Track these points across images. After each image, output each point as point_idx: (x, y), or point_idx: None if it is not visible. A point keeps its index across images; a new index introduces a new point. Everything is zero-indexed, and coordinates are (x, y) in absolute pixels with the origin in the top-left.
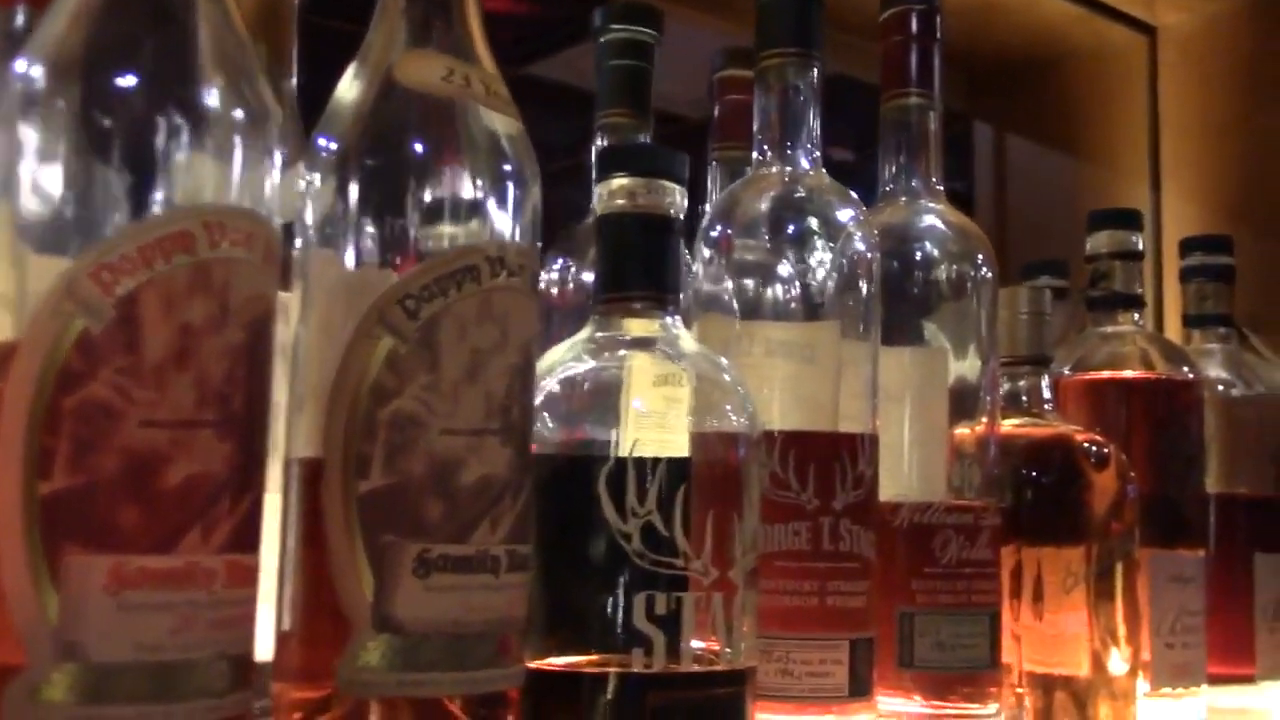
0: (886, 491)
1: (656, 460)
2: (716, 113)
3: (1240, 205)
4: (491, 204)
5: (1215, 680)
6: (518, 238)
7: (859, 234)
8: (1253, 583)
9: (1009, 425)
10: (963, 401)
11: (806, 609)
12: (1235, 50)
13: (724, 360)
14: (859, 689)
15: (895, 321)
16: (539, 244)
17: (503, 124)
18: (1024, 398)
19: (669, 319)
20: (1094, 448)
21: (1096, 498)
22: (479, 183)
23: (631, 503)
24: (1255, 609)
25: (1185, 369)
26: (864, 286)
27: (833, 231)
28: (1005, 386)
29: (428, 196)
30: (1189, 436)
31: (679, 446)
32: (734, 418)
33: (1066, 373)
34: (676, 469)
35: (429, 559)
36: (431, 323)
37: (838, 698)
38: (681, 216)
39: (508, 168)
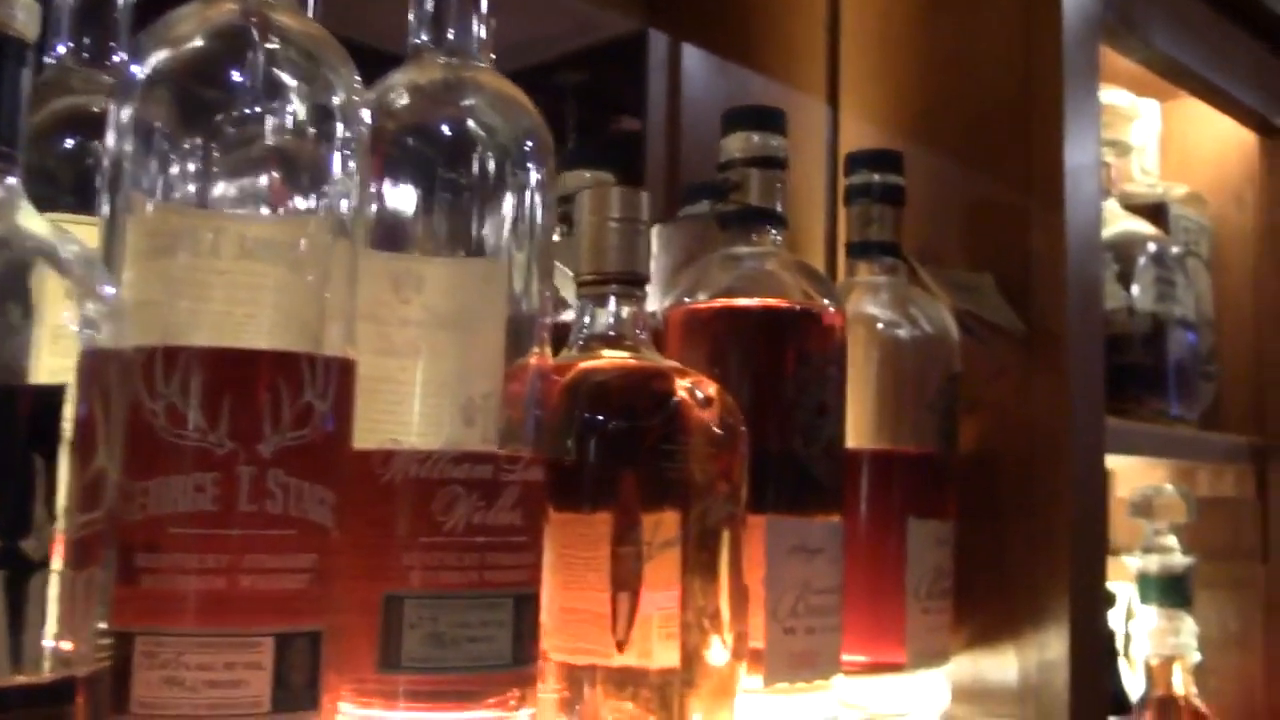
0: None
1: None
2: None
3: (920, 125)
4: None
5: (862, 670)
6: None
7: (341, 94)
8: (906, 554)
9: (586, 360)
10: (520, 327)
11: (209, 593)
12: None
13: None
14: (291, 700)
15: (430, 221)
16: None
17: None
18: (611, 326)
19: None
20: (695, 390)
21: (694, 451)
22: None
23: None
24: (906, 585)
25: (826, 300)
26: (353, 167)
27: (313, 90)
28: (589, 312)
29: None
30: (824, 381)
31: None
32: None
33: (686, 301)
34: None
35: None
36: None
37: (255, 714)
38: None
39: None
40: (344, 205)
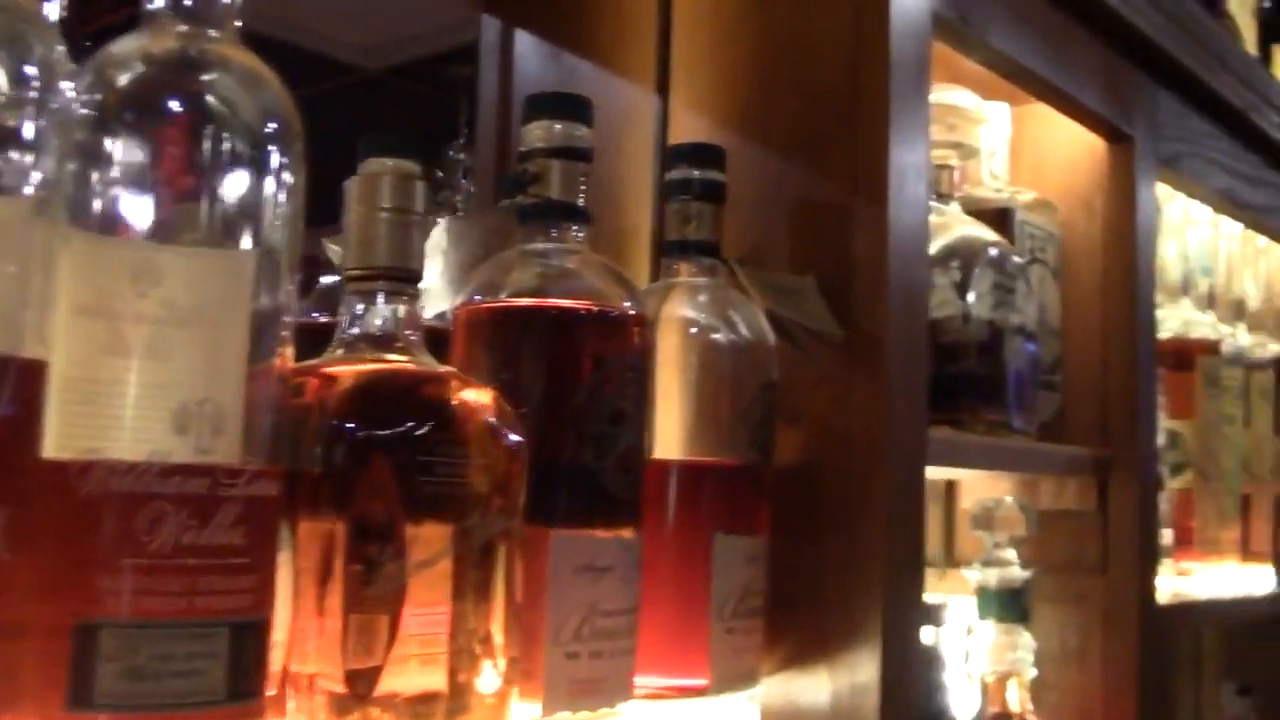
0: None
1: None
2: None
3: (749, 118)
4: None
5: (661, 694)
6: None
7: (37, 60)
8: (711, 571)
9: (345, 363)
10: (263, 325)
11: None
12: None
13: None
14: None
15: (166, 207)
16: None
17: None
18: (379, 326)
19: None
20: (466, 396)
21: (460, 462)
22: None
23: None
24: (711, 604)
25: (627, 302)
26: (55, 142)
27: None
28: (355, 310)
29: None
30: (621, 387)
31: None
32: None
33: (475, 299)
34: None
35: None
36: None
37: None
38: None
39: None
40: (42, 184)
